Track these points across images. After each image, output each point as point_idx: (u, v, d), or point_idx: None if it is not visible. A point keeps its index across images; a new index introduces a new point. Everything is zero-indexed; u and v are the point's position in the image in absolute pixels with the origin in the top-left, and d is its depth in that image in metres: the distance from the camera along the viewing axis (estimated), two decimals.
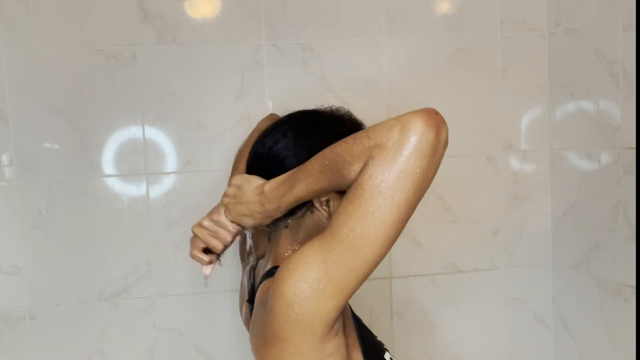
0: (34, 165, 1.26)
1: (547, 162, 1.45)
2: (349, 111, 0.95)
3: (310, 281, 0.70)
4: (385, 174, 0.66)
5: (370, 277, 0.71)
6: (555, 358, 1.48)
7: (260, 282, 0.85)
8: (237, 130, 1.31)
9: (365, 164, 0.67)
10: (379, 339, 0.89)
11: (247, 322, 0.97)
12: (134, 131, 1.29)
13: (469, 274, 1.44)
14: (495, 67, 1.42)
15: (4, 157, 1.25)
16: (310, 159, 0.76)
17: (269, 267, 0.87)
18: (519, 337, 1.48)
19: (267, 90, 1.33)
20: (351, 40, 1.35)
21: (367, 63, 1.37)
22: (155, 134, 1.30)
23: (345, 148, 0.70)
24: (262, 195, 0.82)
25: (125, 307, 1.31)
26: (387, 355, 0.86)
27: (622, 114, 1.19)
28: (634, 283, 1.18)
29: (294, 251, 0.85)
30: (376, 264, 0.70)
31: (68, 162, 1.27)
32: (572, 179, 1.37)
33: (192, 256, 0.91)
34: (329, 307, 0.71)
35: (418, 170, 0.66)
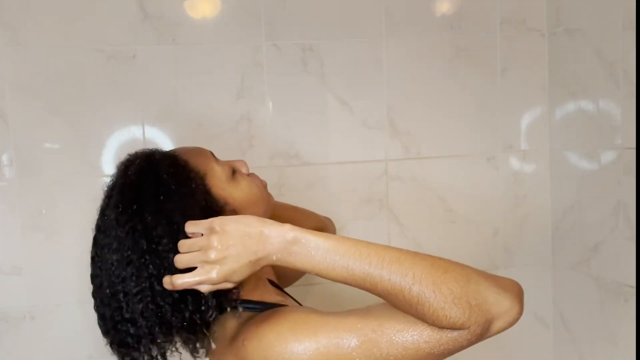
0: (34, 165, 1.26)
1: (547, 162, 1.45)
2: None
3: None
4: (465, 345, 0.67)
5: None
6: (555, 358, 1.48)
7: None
8: (237, 130, 1.31)
9: (458, 328, 0.66)
10: None
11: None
12: (134, 131, 1.29)
13: None
14: (495, 67, 1.42)
15: (4, 157, 1.25)
16: (383, 259, 0.66)
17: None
18: (519, 337, 1.48)
19: (267, 90, 1.33)
20: (351, 40, 1.35)
21: (367, 63, 1.37)
22: (155, 134, 1.30)
23: (444, 300, 0.65)
24: (281, 239, 0.68)
25: None
26: None
27: (622, 114, 1.19)
28: (634, 283, 1.18)
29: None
30: None
31: (68, 162, 1.27)
32: (572, 179, 1.37)
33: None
34: None
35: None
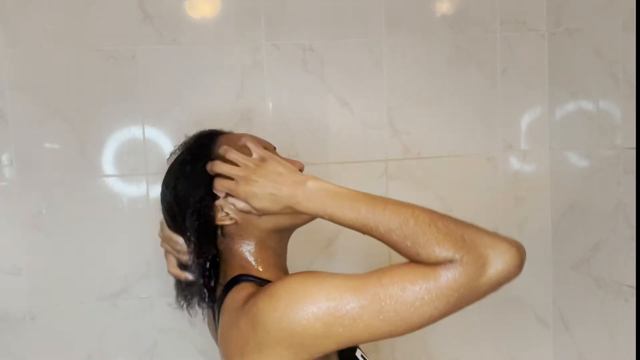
0: (34, 165, 1.26)
1: (547, 162, 1.45)
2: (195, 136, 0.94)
3: (325, 319, 0.69)
4: (464, 288, 0.69)
5: None
6: (555, 358, 1.48)
7: (227, 288, 0.84)
8: (237, 130, 1.31)
9: (452, 264, 0.68)
10: None
11: (211, 325, 0.96)
12: (134, 131, 1.29)
13: None
14: (495, 67, 1.42)
15: (4, 157, 1.25)
16: (387, 202, 0.74)
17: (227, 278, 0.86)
18: (519, 337, 1.48)
19: (267, 90, 1.33)
20: (351, 40, 1.35)
21: (367, 63, 1.37)
22: (155, 134, 1.30)
23: (437, 232, 0.69)
24: (303, 186, 0.78)
25: (125, 307, 1.31)
26: (358, 353, 0.86)
27: (622, 114, 1.19)
28: (634, 283, 1.18)
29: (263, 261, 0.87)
30: (391, 337, 0.71)
31: (68, 162, 1.27)
32: (572, 179, 1.37)
33: (169, 273, 0.91)
34: (330, 348, 0.72)
35: (486, 293, 0.72)
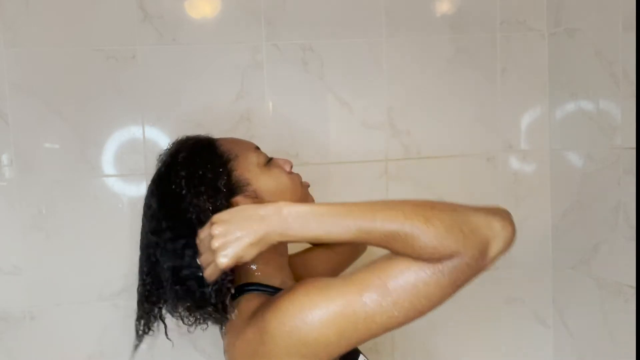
0: (34, 165, 1.26)
1: (547, 162, 1.45)
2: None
3: (334, 326, 0.70)
4: (468, 271, 0.69)
5: None
6: (555, 358, 1.48)
7: (235, 295, 0.84)
8: (237, 131, 1.31)
9: (455, 256, 0.69)
10: None
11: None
12: (134, 131, 1.29)
13: None
14: (495, 67, 1.42)
15: (4, 157, 1.25)
16: (375, 210, 0.70)
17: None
18: (519, 337, 1.48)
19: (267, 90, 1.33)
20: (351, 40, 1.35)
21: (367, 63, 1.37)
22: (155, 134, 1.30)
23: (435, 231, 0.69)
24: (278, 216, 0.72)
25: (125, 307, 1.31)
26: (361, 358, 0.87)
27: (622, 114, 1.19)
28: (634, 283, 1.18)
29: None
30: (402, 326, 0.72)
31: (68, 162, 1.27)
32: (572, 179, 1.37)
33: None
34: (341, 351, 0.73)
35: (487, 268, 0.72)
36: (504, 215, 0.73)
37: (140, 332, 0.91)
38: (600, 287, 1.29)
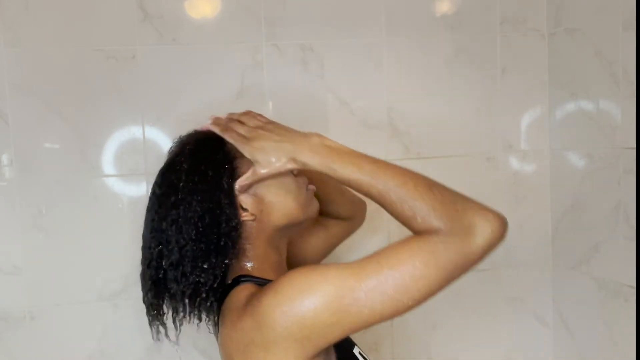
0: (34, 165, 1.26)
1: (547, 162, 1.45)
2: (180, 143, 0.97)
3: (332, 309, 0.70)
4: (458, 256, 0.73)
5: None
6: (555, 358, 1.48)
7: (227, 289, 0.84)
8: None
9: (445, 233, 0.72)
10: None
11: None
12: (134, 131, 1.29)
13: (469, 274, 1.43)
14: (495, 67, 1.42)
15: (4, 157, 1.25)
16: (388, 164, 0.80)
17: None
18: (519, 337, 1.48)
19: (267, 90, 1.33)
20: (351, 40, 1.35)
21: (367, 63, 1.37)
22: (155, 134, 1.30)
23: (434, 198, 0.74)
24: (307, 140, 0.84)
25: (125, 307, 1.31)
26: (355, 350, 0.87)
27: (622, 114, 1.19)
28: (634, 283, 1.18)
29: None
30: (397, 315, 0.73)
31: (68, 162, 1.27)
32: (572, 179, 1.37)
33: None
34: (338, 337, 0.73)
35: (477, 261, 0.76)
36: (498, 212, 0.76)
37: (157, 324, 0.96)
38: (600, 287, 1.29)
